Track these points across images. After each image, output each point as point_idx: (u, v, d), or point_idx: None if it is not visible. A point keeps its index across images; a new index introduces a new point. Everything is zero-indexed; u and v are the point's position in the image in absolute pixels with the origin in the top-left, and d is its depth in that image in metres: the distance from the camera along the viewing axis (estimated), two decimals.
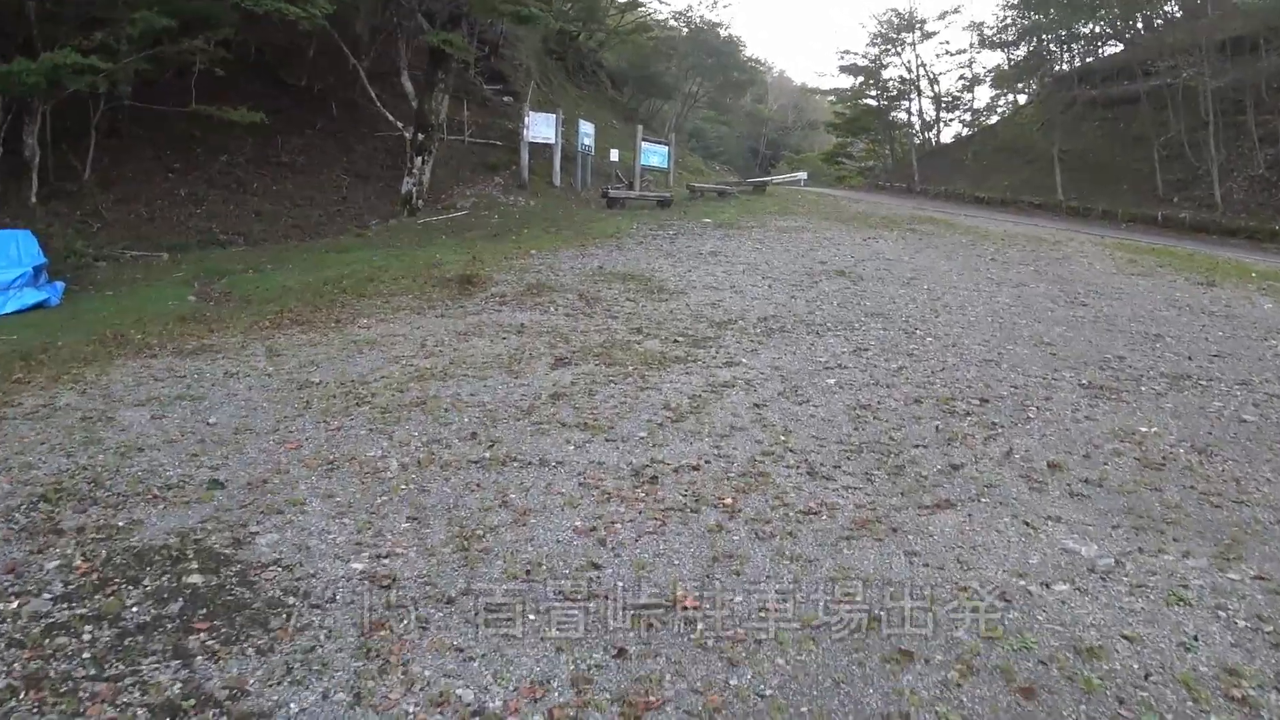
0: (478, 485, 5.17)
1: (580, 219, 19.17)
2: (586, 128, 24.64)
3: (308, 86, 24.41)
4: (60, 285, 12.39)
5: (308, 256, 15.19)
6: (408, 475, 5.30)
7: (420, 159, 19.28)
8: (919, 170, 37.92)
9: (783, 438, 6.26)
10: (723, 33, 44.01)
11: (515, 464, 5.52)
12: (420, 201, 19.36)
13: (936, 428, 6.69)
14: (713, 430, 6.34)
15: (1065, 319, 10.98)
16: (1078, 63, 37.42)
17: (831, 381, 7.86)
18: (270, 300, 11.33)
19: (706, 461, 5.68)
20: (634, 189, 25.04)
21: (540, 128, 23.25)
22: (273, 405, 6.77)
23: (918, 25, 40.25)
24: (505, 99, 28.01)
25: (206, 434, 6.11)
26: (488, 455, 5.65)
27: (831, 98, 47.03)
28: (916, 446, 6.24)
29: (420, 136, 19.23)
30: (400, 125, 20.35)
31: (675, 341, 9.13)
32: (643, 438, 6.11)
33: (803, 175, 41.94)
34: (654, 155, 26.67)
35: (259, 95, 23.33)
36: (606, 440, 6.03)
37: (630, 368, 8.05)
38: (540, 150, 24.78)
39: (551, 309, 10.54)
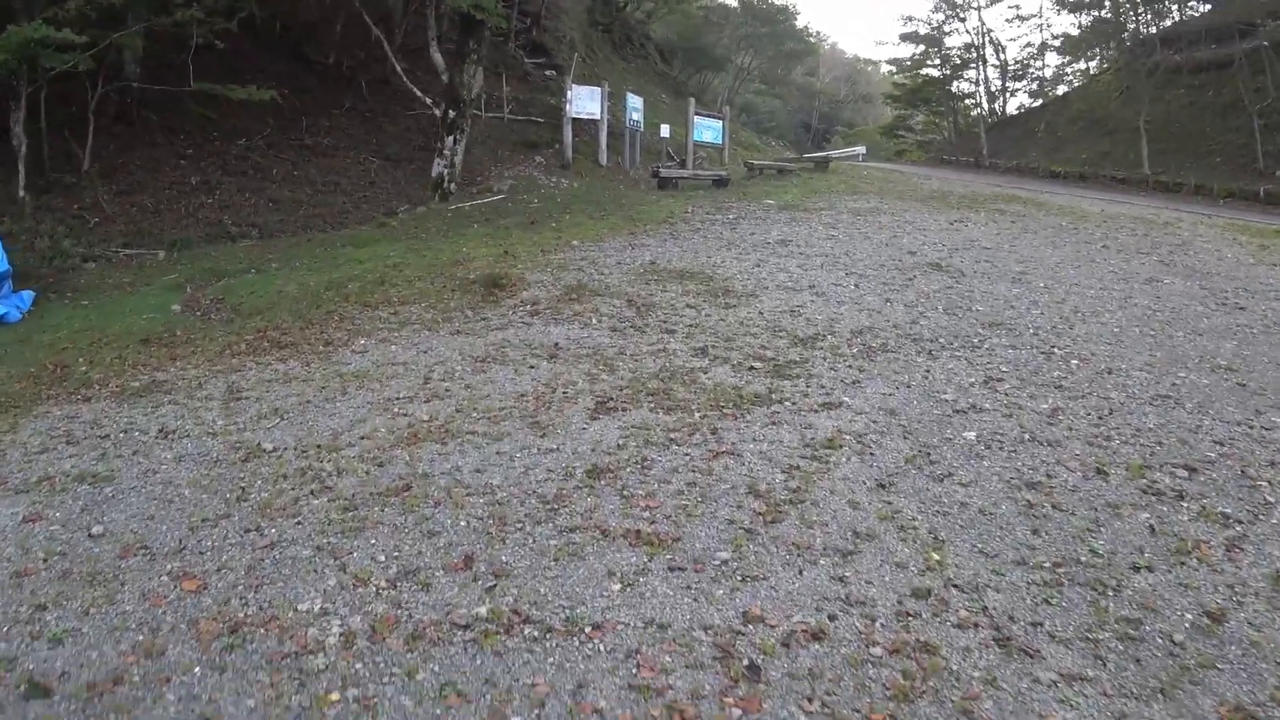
0: (459, 694, 3.03)
1: (629, 202, 16.99)
2: (634, 102, 22.36)
3: (336, 64, 22.45)
4: (29, 295, 10.48)
5: (321, 252, 13.20)
6: (348, 664, 3.18)
7: (451, 139, 17.18)
8: (987, 143, 35.04)
9: (934, 556, 4.08)
10: (776, 0, 41.18)
11: (525, 632, 3.39)
12: (453, 185, 17.28)
13: (1151, 527, 4.45)
14: (827, 541, 4.19)
15: (1228, 329, 8.65)
16: (1161, 24, 34.22)
17: (971, 436, 5.65)
18: (258, 311, 9.33)
19: (832, 618, 3.52)
20: (687, 167, 22.74)
21: (584, 102, 21.02)
22: (196, 495, 4.72)
23: None
24: (548, 73, 25.78)
25: (79, 557, 4.06)
26: (484, 611, 3.52)
27: (891, 68, 44.03)
28: (1137, 570, 4.03)
29: (451, 114, 17.12)
30: (430, 102, 18.24)
31: (752, 369, 6.97)
32: (724, 561, 3.96)
33: (861, 149, 39.31)
34: (708, 130, 24.30)
35: (282, 74, 21.50)
36: (670, 569, 3.88)
37: (697, 414, 5.92)
38: (585, 127, 22.57)
39: (594, 320, 8.41)
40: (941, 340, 7.89)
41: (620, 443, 5.40)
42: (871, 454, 5.30)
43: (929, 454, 5.33)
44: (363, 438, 5.51)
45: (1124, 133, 30.46)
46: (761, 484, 4.79)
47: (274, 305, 9.58)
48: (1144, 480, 5.01)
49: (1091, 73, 39.34)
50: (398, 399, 6.30)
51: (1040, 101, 40.77)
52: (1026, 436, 5.67)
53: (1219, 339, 8.27)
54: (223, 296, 10.46)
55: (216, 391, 6.57)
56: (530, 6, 28.43)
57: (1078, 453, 5.42)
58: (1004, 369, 7.14)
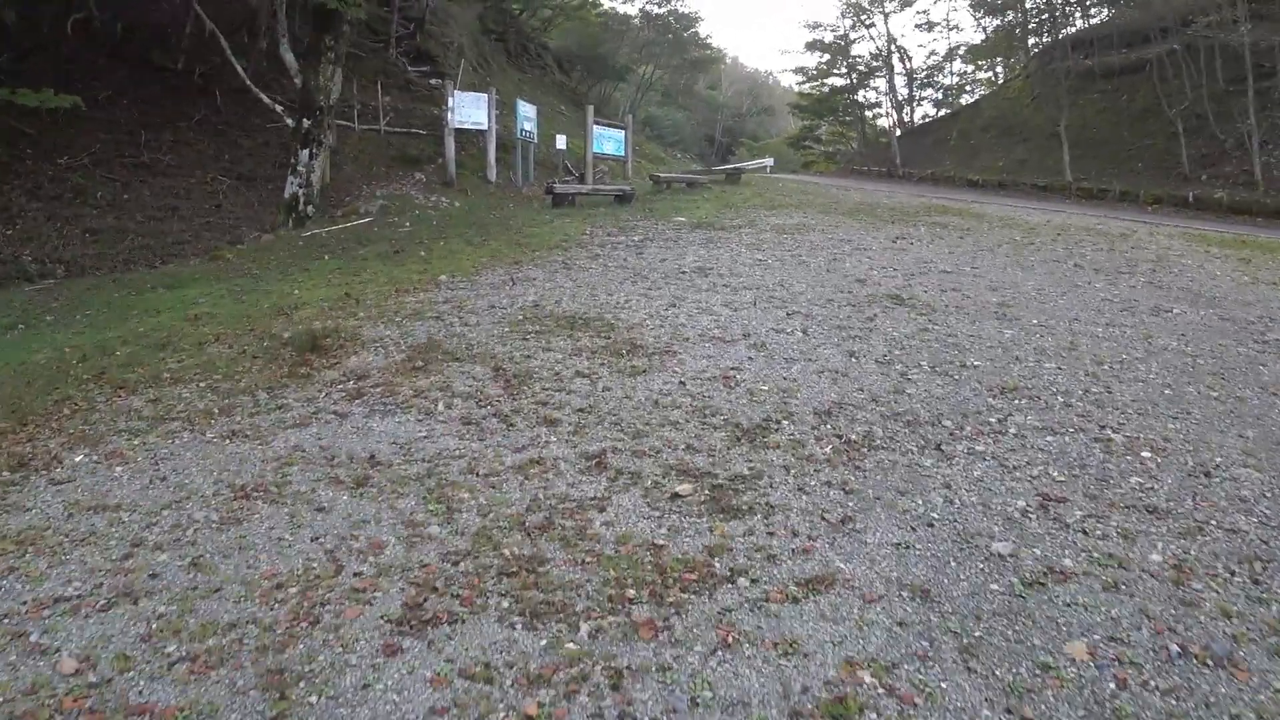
0: None
1: (518, 222, 14.18)
2: (527, 110, 19.53)
3: (186, 70, 19.08)
4: None
5: (121, 298, 10.09)
6: None
7: (307, 152, 14.15)
8: (899, 153, 33.17)
9: None
10: (679, 8, 38.76)
11: None
12: (309, 208, 14.23)
13: None
14: None
15: None
16: (1065, 31, 32.82)
17: (1078, 652, 3.02)
18: None
19: None
20: (586, 182, 20.02)
21: (469, 110, 18.11)
22: None
23: None
24: (432, 81, 22.78)
25: None
26: None
27: (797, 78, 42.03)
28: None
29: (306, 123, 14.09)
30: (280, 110, 15.16)
31: (676, 497, 4.27)
32: None
33: (769, 161, 37.01)
34: (609, 141, 21.61)
35: (121, 82, 18.20)
36: None
37: (585, 629, 3.19)
38: (471, 139, 19.68)
39: (440, 406, 5.61)
40: (946, 423, 5.29)
41: None
42: None
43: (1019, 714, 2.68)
44: None
45: (1039, 139, 28.83)
46: None
47: None
48: None
49: (999, 80, 37.93)
50: (58, 601, 3.39)
51: (946, 111, 39.29)
52: (1169, 648, 3.06)
53: None
54: None
55: None
56: (413, 11, 25.41)
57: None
58: (1056, 475, 4.56)
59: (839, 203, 18.23)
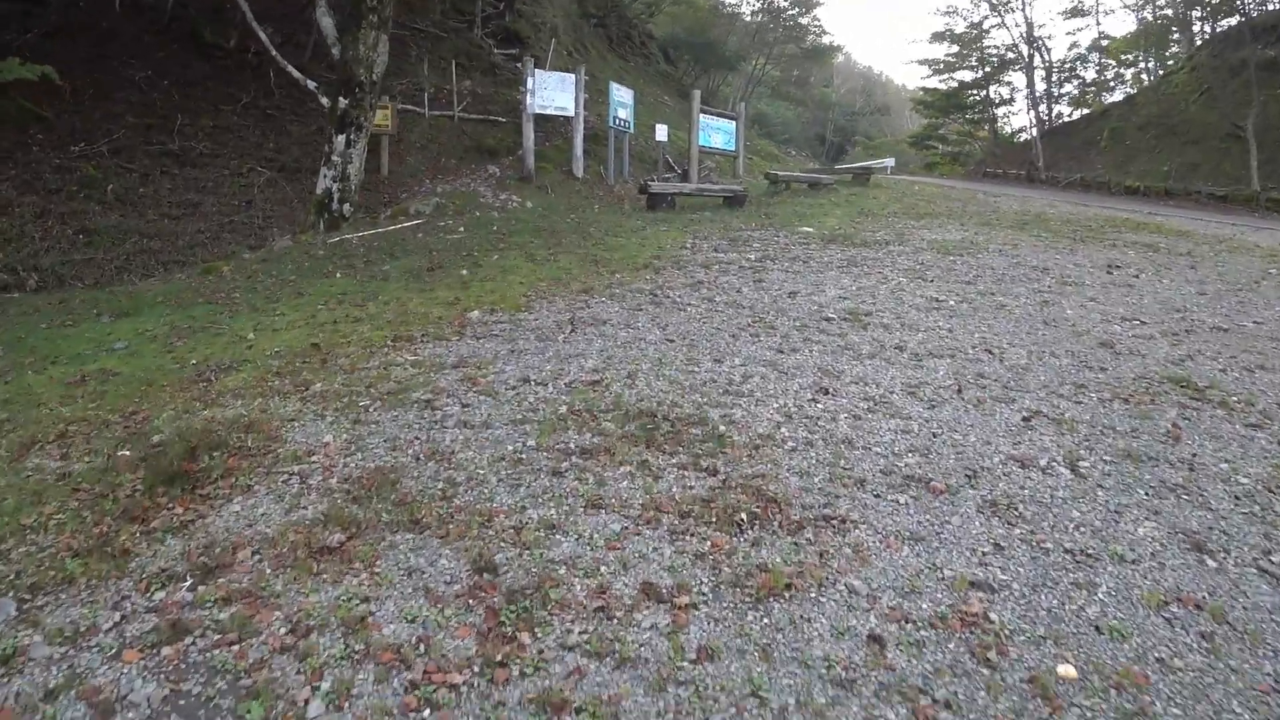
0: None
1: (600, 229, 10.86)
2: (621, 94, 16.18)
3: (240, 49, 16.35)
4: None
5: (47, 330, 7.15)
6: None
7: (344, 139, 11.07)
8: (1043, 154, 28.74)
9: None
10: None
11: None
12: (346, 206, 11.16)
13: None
14: None
15: None
16: (1231, 20, 27.90)
17: None
18: None
19: None
20: (690, 179, 16.59)
21: (552, 93, 14.86)
22: None
23: None
24: (518, 65, 19.63)
25: None
26: None
27: (923, 71, 37.71)
28: None
29: (343, 102, 11.02)
30: (314, 87, 12.15)
31: None
32: None
33: (890, 162, 33.04)
34: (717, 133, 18.11)
35: (165, 63, 15.58)
36: None
37: None
38: (559, 128, 16.49)
39: (314, 702, 2.28)
40: None
41: None
42: None
43: None
44: None
45: (1212, 140, 24.25)
46: None
47: None
48: None
49: (1152, 73, 32.96)
50: None
51: (1085, 110, 34.43)
52: None
53: None
54: None
55: None
56: None
57: None
58: None
59: (996, 212, 14.39)
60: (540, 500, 3.41)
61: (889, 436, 4.14)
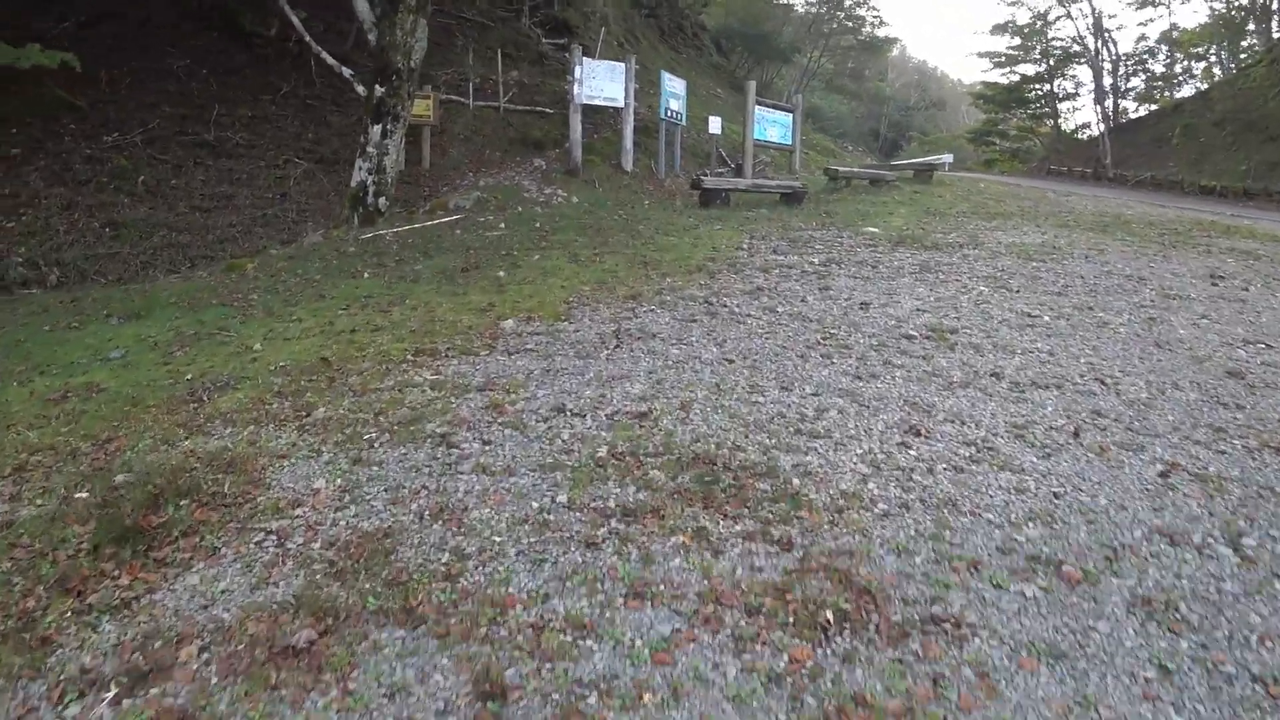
0: None
1: (650, 227, 10.10)
2: (673, 85, 15.38)
3: (281, 38, 15.80)
4: None
5: (51, 333, 6.57)
6: None
7: (380, 129, 10.42)
8: (1111, 151, 27.35)
9: None
10: None
11: None
12: (381, 200, 10.51)
13: None
14: None
15: None
16: None
17: None
18: None
19: None
20: (744, 175, 15.76)
21: (601, 83, 14.11)
22: None
23: None
24: (566, 54, 18.89)
25: None
26: None
27: (983, 64, 36.38)
28: None
29: (379, 90, 10.37)
30: (350, 75, 11.54)
31: None
32: None
33: (948, 158, 31.79)
34: (773, 126, 17.22)
35: (204, 51, 15.14)
36: None
37: None
38: (608, 120, 15.76)
39: None
40: None
41: None
42: None
43: None
44: None
45: None
46: None
47: None
48: None
49: (1224, 67, 31.30)
50: None
51: (1151, 106, 32.82)
52: None
53: None
54: None
55: None
56: None
57: None
58: None
59: (1071, 212, 13.36)
60: (569, 585, 2.67)
61: (1001, 497, 3.33)
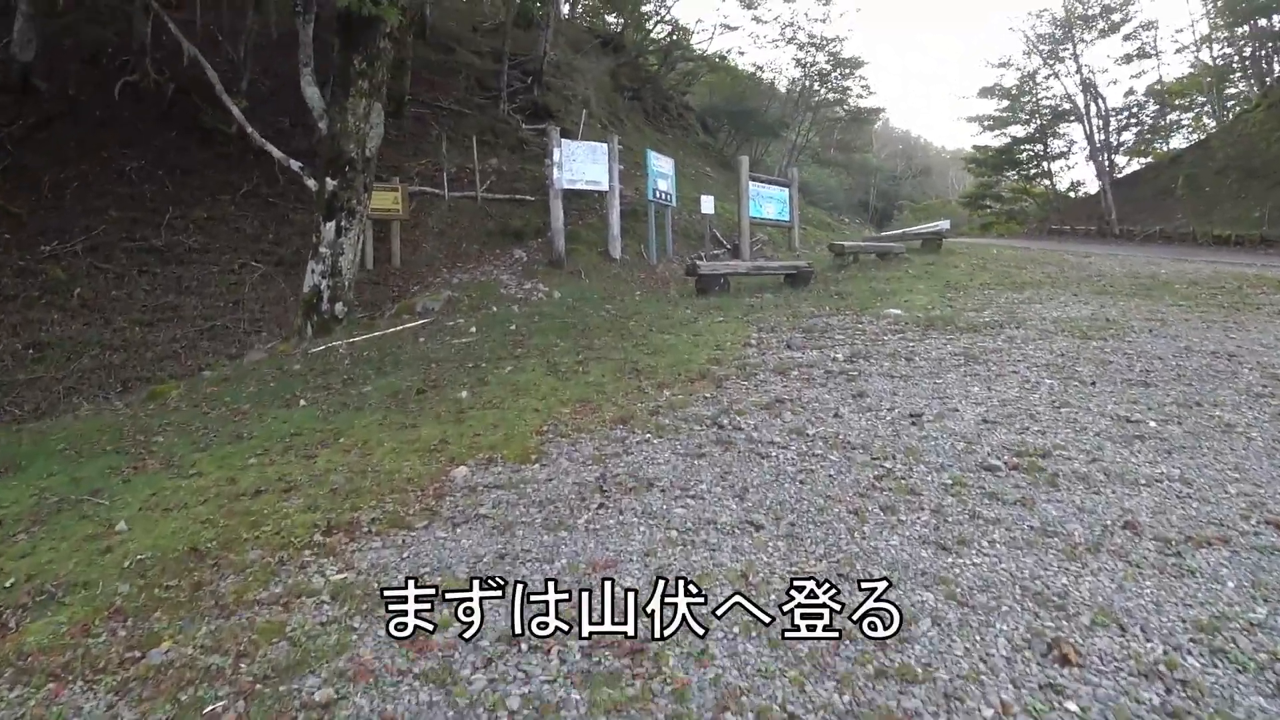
0: None
1: (642, 324, 8.80)
2: (660, 164, 14.27)
3: (242, 134, 14.73)
4: None
5: None
6: None
7: (333, 226, 9.18)
8: (1114, 206, 26.32)
9: None
10: (837, 50, 32.58)
11: None
12: (338, 306, 9.22)
13: None
14: None
15: None
16: None
17: None
18: None
19: None
20: (742, 256, 14.56)
21: (582, 166, 12.99)
22: None
23: (1095, 18, 28.92)
24: (545, 138, 17.91)
25: None
26: None
27: (973, 129, 35.86)
28: None
29: (331, 184, 9.17)
30: (299, 168, 10.37)
31: None
32: None
33: (945, 224, 30.82)
34: (769, 202, 16.07)
35: (162, 149, 14.03)
36: None
37: None
38: (592, 205, 14.63)
39: None
40: None
41: None
42: None
43: None
44: None
45: None
46: None
47: None
48: None
49: (1215, 116, 30.57)
50: None
51: (1147, 160, 32.01)
52: None
53: None
54: None
55: None
56: (530, 64, 20.83)
57: None
58: None
59: (1103, 276, 12.10)
60: None
61: None
